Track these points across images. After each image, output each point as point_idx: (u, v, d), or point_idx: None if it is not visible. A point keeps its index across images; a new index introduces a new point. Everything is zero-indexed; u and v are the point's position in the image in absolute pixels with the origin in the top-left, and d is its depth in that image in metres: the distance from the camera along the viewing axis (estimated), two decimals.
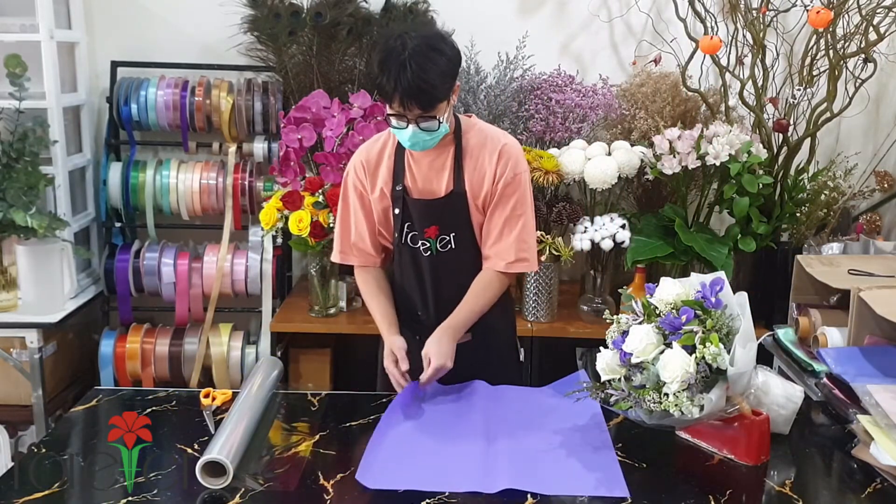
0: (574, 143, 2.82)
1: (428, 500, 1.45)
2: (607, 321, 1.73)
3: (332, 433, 1.73)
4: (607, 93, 2.88)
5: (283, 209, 2.64)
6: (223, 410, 1.74)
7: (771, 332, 2.29)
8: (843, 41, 2.71)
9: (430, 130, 1.77)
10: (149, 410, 1.79)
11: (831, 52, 2.71)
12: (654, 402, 1.56)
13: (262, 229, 2.71)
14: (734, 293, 1.63)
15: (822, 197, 2.69)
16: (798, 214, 2.70)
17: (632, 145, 2.79)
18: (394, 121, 1.77)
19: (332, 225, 2.59)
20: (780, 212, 2.74)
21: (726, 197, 2.63)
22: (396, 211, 1.92)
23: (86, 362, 3.04)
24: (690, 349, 1.55)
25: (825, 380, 1.91)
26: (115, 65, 3.01)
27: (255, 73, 3.04)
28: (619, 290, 2.73)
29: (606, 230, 2.70)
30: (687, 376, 1.52)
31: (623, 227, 2.71)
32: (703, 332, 1.56)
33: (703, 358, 1.53)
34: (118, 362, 2.94)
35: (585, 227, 2.74)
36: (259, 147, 3.02)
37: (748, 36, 2.80)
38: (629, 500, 1.46)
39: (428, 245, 1.93)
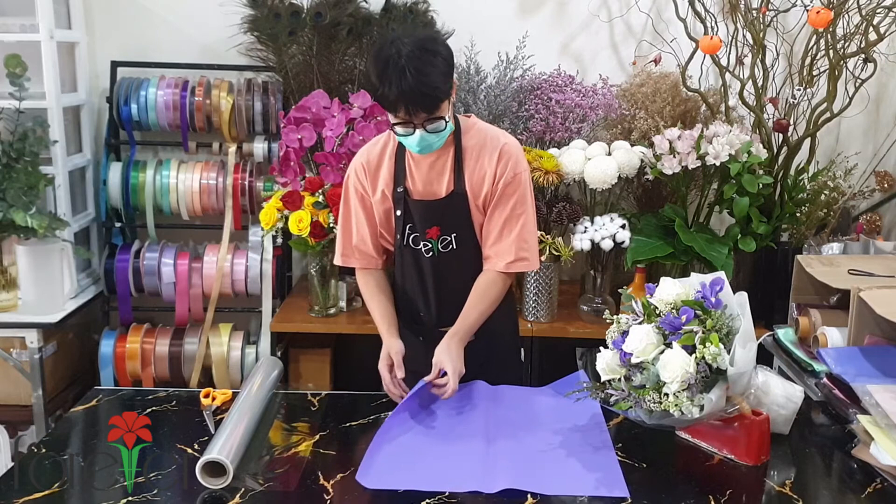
0: (574, 143, 2.82)
1: (428, 500, 1.45)
2: (607, 321, 1.73)
3: (332, 433, 1.73)
4: (607, 93, 2.88)
5: (283, 209, 2.64)
6: (223, 410, 1.74)
7: (771, 332, 2.29)
8: (843, 41, 2.71)
9: (438, 131, 1.77)
10: (149, 410, 1.80)
11: (831, 52, 2.71)
12: (654, 402, 1.56)
13: (262, 229, 2.71)
14: (734, 293, 1.63)
15: (822, 197, 2.68)
16: (798, 214, 2.70)
17: (632, 145, 2.79)
18: (399, 129, 1.77)
19: (332, 225, 2.60)
20: (780, 212, 2.74)
21: (726, 197, 2.63)
22: (398, 213, 1.92)
23: (86, 362, 3.04)
24: (690, 349, 1.55)
25: (825, 380, 1.91)
26: (115, 65, 3.01)
27: (255, 73, 3.04)
28: (619, 290, 2.73)
29: (606, 230, 2.70)
30: (687, 376, 1.52)
31: (623, 227, 2.70)
32: (703, 332, 1.56)
33: (703, 358, 1.53)
34: (118, 362, 2.94)
35: (585, 227, 2.74)
36: (259, 147, 3.02)
37: (748, 36, 2.80)
38: (629, 501, 1.46)
39: (430, 246, 1.93)
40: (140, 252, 2.98)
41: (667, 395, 1.54)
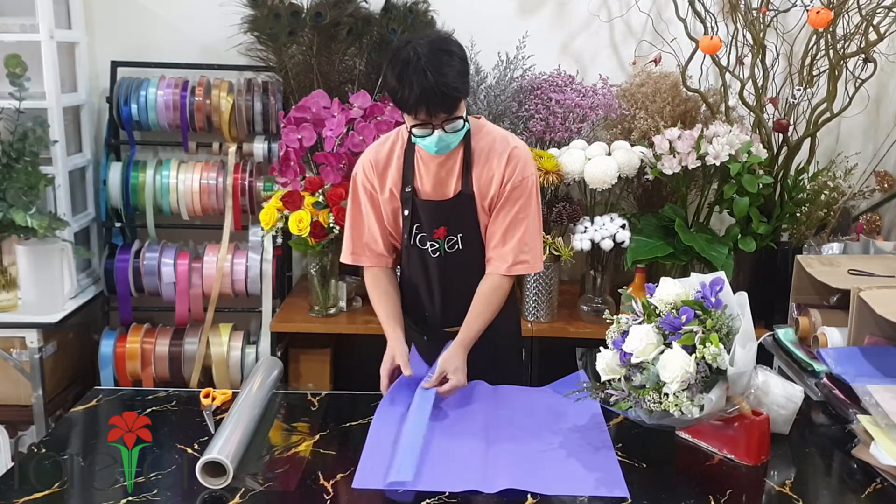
0: (574, 143, 2.82)
1: (428, 500, 1.45)
2: (607, 321, 1.73)
3: (332, 433, 1.73)
4: (607, 93, 2.88)
5: (283, 209, 2.64)
6: (223, 410, 1.74)
7: (771, 332, 2.29)
8: (843, 41, 2.71)
9: (456, 131, 1.78)
10: (149, 410, 1.79)
11: (831, 52, 2.71)
12: (654, 402, 1.56)
13: (262, 229, 2.71)
14: (734, 293, 1.63)
15: (822, 197, 2.68)
16: (798, 214, 2.70)
17: (632, 145, 2.79)
18: (417, 131, 1.77)
19: (331, 225, 2.60)
20: (780, 212, 2.74)
21: (726, 197, 2.63)
22: (406, 212, 1.92)
23: (86, 362, 3.04)
24: (690, 349, 1.55)
25: (825, 380, 1.91)
26: (115, 65, 3.01)
27: (255, 73, 3.04)
28: (619, 290, 2.73)
29: (606, 230, 2.70)
30: (687, 376, 1.52)
31: (623, 227, 2.71)
32: (703, 332, 1.56)
33: (703, 358, 1.53)
34: (118, 362, 2.94)
35: (585, 227, 2.74)
36: (259, 147, 3.02)
37: (748, 36, 2.80)
38: (629, 501, 1.46)
39: (436, 246, 1.94)
40: (140, 252, 2.98)
41: (667, 395, 1.54)
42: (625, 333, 1.65)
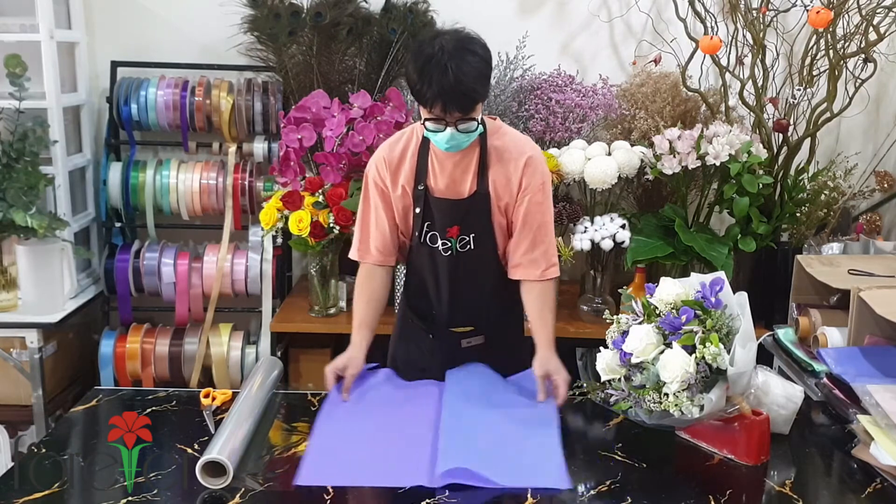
0: (574, 143, 2.82)
1: (428, 500, 1.45)
2: (607, 321, 1.74)
3: None
4: (607, 93, 2.88)
5: (283, 209, 2.64)
6: (223, 410, 1.74)
7: (771, 332, 2.29)
8: (843, 41, 2.71)
9: (468, 132, 1.78)
10: (149, 410, 1.79)
11: (831, 52, 2.71)
12: (654, 402, 1.57)
13: (262, 229, 2.71)
14: (734, 293, 1.63)
15: (822, 197, 2.68)
16: (798, 214, 2.70)
17: (632, 145, 2.79)
18: (430, 125, 1.77)
19: (332, 225, 2.60)
20: (780, 212, 2.74)
21: (726, 197, 2.63)
22: (417, 210, 1.92)
23: (86, 362, 3.04)
24: (690, 349, 1.55)
25: (825, 380, 1.91)
26: (115, 65, 3.01)
27: (255, 73, 3.04)
28: (619, 290, 2.73)
29: (606, 230, 2.70)
30: (687, 376, 1.52)
31: (623, 227, 2.70)
32: (703, 332, 1.56)
33: (703, 358, 1.53)
34: (118, 362, 2.94)
35: (585, 227, 2.74)
36: (259, 147, 3.02)
37: (748, 36, 2.80)
38: (629, 501, 1.46)
39: (449, 245, 1.93)
40: (140, 252, 2.98)
41: (667, 395, 1.54)
42: (625, 333, 1.65)
